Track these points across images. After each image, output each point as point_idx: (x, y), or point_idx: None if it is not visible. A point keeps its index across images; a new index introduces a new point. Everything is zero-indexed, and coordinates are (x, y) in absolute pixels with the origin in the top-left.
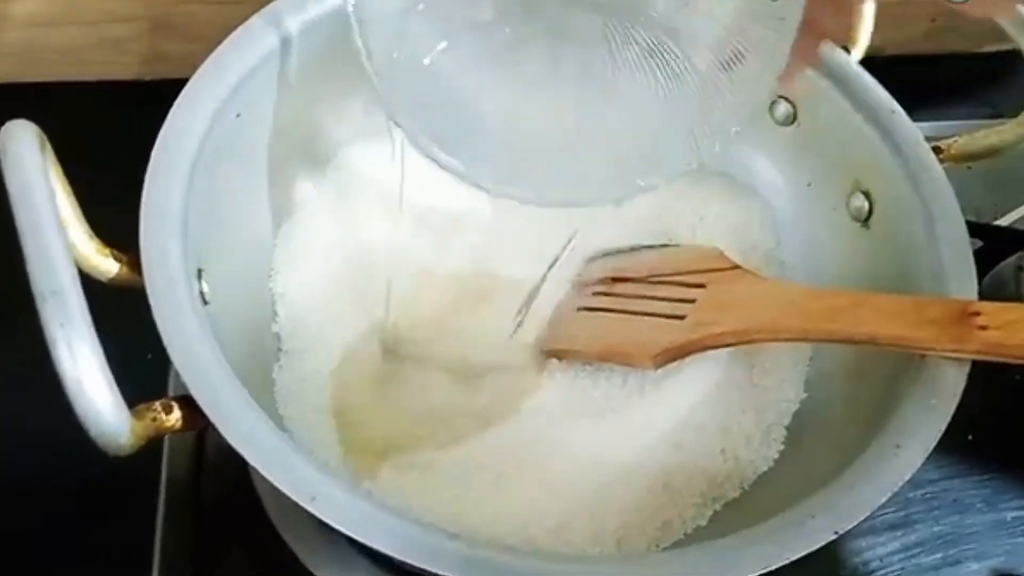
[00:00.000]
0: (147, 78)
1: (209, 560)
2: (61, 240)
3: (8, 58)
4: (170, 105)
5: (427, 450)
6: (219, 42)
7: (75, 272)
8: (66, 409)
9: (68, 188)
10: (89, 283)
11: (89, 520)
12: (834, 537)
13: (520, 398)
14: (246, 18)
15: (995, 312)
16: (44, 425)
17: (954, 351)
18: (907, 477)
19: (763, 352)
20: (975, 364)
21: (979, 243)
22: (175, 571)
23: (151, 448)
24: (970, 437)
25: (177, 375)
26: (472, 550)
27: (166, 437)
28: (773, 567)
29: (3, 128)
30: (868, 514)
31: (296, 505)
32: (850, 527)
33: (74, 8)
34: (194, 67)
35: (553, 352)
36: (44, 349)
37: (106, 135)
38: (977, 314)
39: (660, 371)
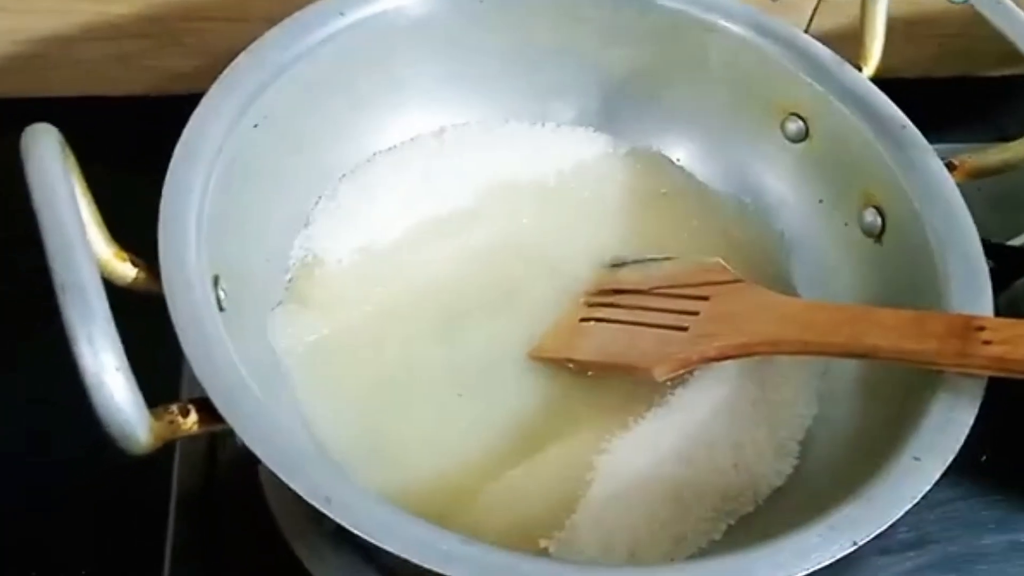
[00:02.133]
0: (156, 94)
1: (220, 571)
2: (82, 237)
3: (19, 73)
4: (180, 121)
5: (439, 459)
6: (227, 59)
7: (96, 269)
8: (79, 418)
9: (88, 193)
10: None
11: (99, 529)
12: (852, 548)
13: (531, 410)
14: (255, 35)
15: (1000, 327)
16: (57, 432)
17: (957, 365)
18: (926, 489)
19: (774, 366)
20: (992, 383)
21: (991, 264)
22: None
23: (162, 459)
24: (984, 458)
25: (190, 381)
26: (487, 555)
27: (177, 447)
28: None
29: (26, 131)
30: (887, 526)
31: (307, 516)
32: (869, 538)
33: (85, 24)
34: (204, 83)
35: (552, 360)
36: (60, 355)
37: (117, 149)
38: (981, 328)
39: (668, 385)
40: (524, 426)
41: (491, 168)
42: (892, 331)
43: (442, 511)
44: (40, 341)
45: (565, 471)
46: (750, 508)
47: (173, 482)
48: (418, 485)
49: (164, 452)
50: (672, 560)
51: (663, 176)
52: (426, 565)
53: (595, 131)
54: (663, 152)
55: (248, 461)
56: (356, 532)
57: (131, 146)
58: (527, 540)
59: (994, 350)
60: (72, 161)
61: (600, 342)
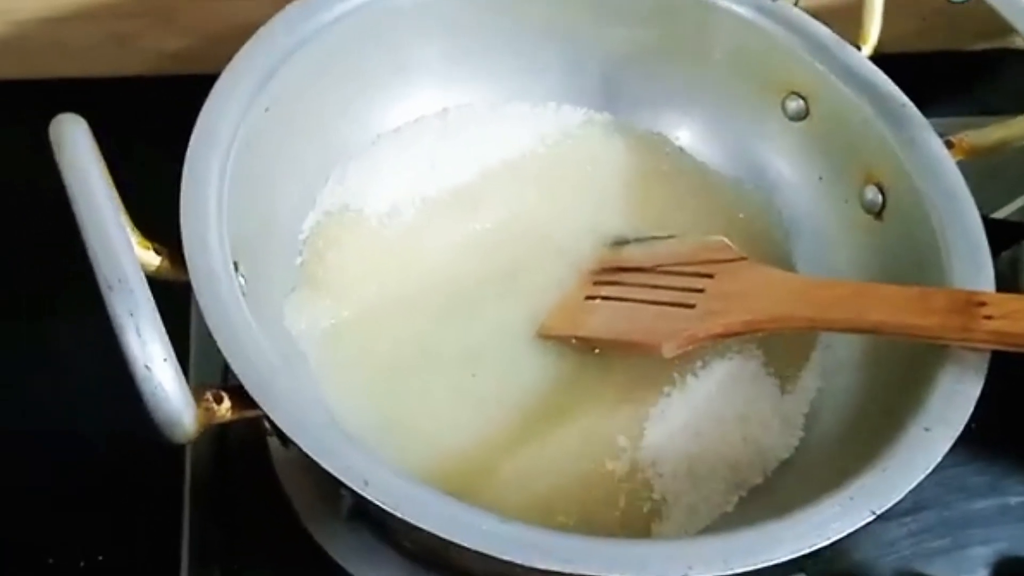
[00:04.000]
0: (151, 75)
1: (237, 555)
2: (123, 231)
3: (9, 55)
4: (175, 102)
5: (455, 440)
6: (223, 38)
7: (137, 260)
8: (91, 406)
9: (111, 181)
10: None
11: (115, 518)
12: (871, 519)
13: (544, 389)
14: (250, 13)
15: (1000, 302)
16: (70, 424)
17: (960, 340)
18: (939, 458)
19: (778, 341)
20: None
21: None
22: (204, 567)
23: (173, 446)
24: (974, 425)
25: (198, 367)
26: (524, 533)
27: None
28: (815, 547)
29: (55, 120)
30: (903, 495)
31: (323, 498)
32: (886, 508)
33: (77, 4)
34: (199, 63)
35: (559, 338)
36: (76, 346)
37: (114, 132)
38: (982, 304)
39: (675, 363)
40: (537, 405)
41: (495, 148)
42: (896, 307)
43: (460, 491)
44: (50, 332)
45: (580, 448)
46: (759, 480)
47: (186, 470)
48: (435, 465)
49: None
50: (686, 532)
51: (663, 156)
52: (466, 544)
53: (596, 111)
54: (663, 132)
55: (258, 446)
56: (396, 514)
57: (127, 128)
58: (546, 517)
59: (995, 324)
60: (98, 150)
61: (606, 319)
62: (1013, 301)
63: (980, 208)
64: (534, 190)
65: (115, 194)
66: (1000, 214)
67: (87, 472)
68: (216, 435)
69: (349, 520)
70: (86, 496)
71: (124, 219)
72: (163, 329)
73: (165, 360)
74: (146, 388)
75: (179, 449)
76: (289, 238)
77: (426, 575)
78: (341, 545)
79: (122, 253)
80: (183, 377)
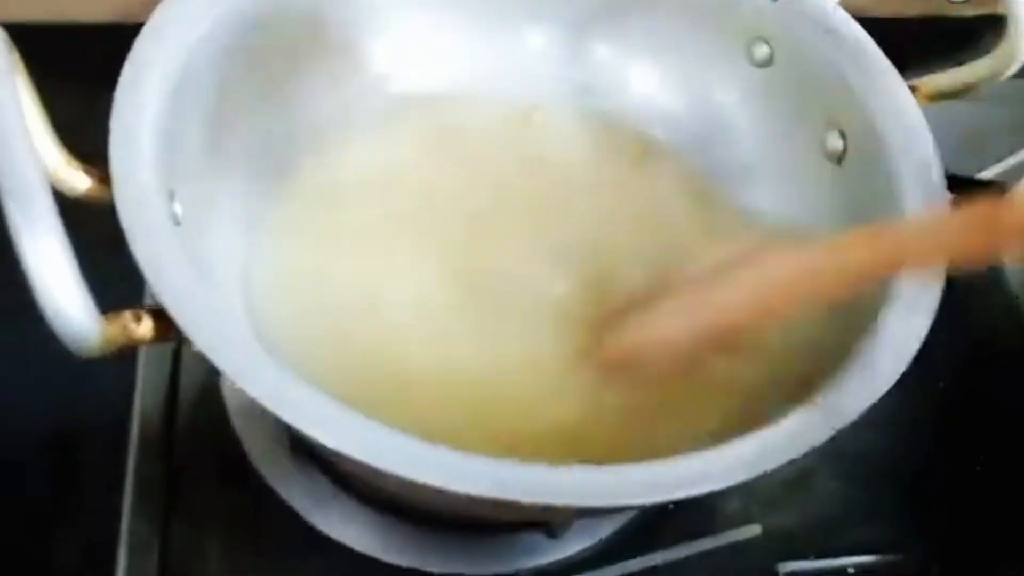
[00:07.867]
0: (128, 22)
1: (183, 491)
2: (26, 140)
3: None
4: None
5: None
6: None
7: (43, 172)
8: (35, 334)
9: (35, 97)
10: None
11: (58, 450)
12: (832, 434)
13: None
14: None
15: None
16: (13, 351)
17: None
18: (897, 376)
19: None
20: None
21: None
22: (147, 502)
23: (124, 378)
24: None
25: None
26: (450, 459)
27: (140, 368)
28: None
29: None
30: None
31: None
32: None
33: None
34: None
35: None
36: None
37: (85, 79)
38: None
39: None
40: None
41: None
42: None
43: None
44: None
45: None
46: None
47: (135, 403)
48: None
49: (123, 381)
50: None
51: None
52: (410, 476)
53: None
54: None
55: (212, 390)
56: (321, 439)
57: (91, 78)
58: None
59: None
60: (17, 60)
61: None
62: None
63: (969, 170)
64: None
65: (34, 109)
66: (986, 174)
67: (25, 398)
68: (169, 368)
69: (298, 459)
70: (25, 423)
71: (43, 136)
72: (65, 241)
73: (66, 273)
74: (46, 303)
75: (128, 390)
76: (256, 174)
77: (377, 516)
78: (291, 485)
79: (23, 162)
80: (85, 290)
